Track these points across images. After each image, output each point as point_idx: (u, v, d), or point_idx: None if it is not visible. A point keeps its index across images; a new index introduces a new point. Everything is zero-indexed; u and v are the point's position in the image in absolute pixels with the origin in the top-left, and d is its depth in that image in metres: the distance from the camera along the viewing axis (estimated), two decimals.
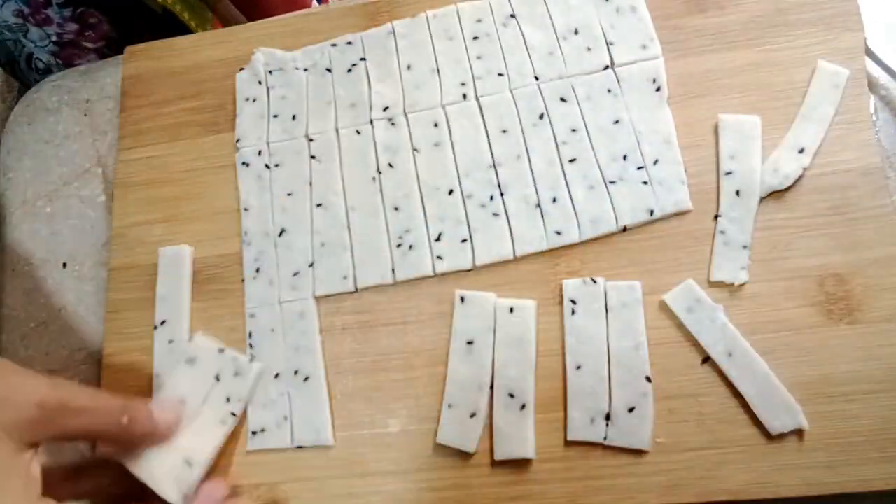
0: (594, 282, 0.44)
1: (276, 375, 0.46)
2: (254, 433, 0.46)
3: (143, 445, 0.41)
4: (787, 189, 0.44)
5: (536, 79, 0.49)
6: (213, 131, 0.53)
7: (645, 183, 0.45)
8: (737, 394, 0.41)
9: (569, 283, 0.44)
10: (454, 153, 0.48)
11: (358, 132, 0.50)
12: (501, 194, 0.47)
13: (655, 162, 0.46)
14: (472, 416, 0.43)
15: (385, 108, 0.50)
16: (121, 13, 0.63)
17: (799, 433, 0.40)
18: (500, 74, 0.49)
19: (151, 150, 0.54)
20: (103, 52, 0.64)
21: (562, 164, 0.47)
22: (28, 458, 0.34)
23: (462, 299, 0.45)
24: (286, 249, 0.49)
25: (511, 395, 0.43)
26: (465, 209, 0.47)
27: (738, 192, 0.44)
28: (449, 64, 0.50)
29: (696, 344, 0.42)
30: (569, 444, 0.42)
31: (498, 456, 0.42)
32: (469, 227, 0.47)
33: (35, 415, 0.35)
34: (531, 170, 0.47)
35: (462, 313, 0.45)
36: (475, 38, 0.50)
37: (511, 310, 0.44)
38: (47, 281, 0.54)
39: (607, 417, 0.42)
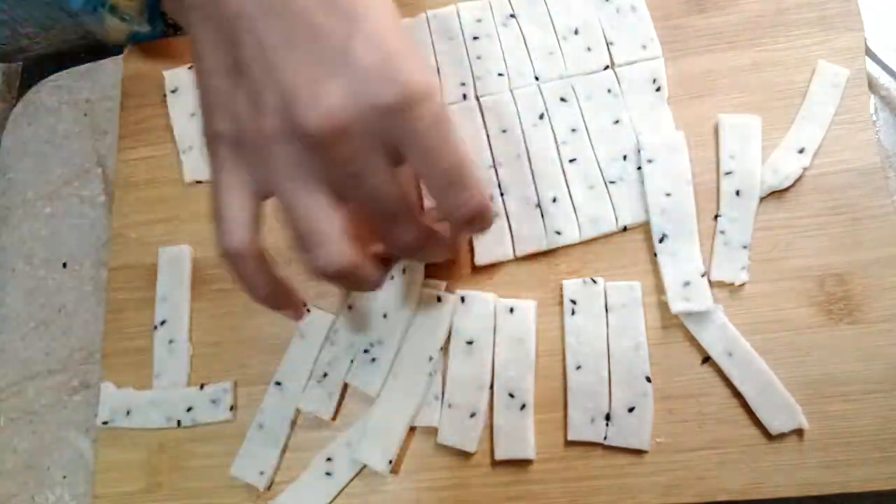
0: (594, 282, 0.44)
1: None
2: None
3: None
4: (787, 189, 0.44)
5: (536, 79, 0.49)
6: None
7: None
8: (737, 394, 0.41)
9: (569, 283, 0.44)
10: None
11: None
12: (501, 194, 0.47)
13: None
14: (472, 416, 0.43)
15: None
16: None
17: (799, 433, 0.40)
18: (500, 74, 0.49)
19: (151, 150, 0.54)
20: None
21: (562, 164, 0.47)
22: None
23: (462, 299, 0.45)
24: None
25: (511, 395, 0.43)
26: None
27: (738, 192, 0.44)
28: (449, 64, 0.50)
29: (696, 344, 0.42)
30: (569, 444, 0.42)
31: (498, 456, 0.43)
32: None
33: None
34: (531, 170, 0.47)
35: (462, 313, 0.45)
36: (475, 38, 0.50)
37: (511, 310, 0.44)
38: (47, 281, 0.54)
39: (607, 417, 0.42)
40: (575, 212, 0.46)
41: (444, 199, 0.33)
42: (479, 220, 0.35)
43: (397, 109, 0.30)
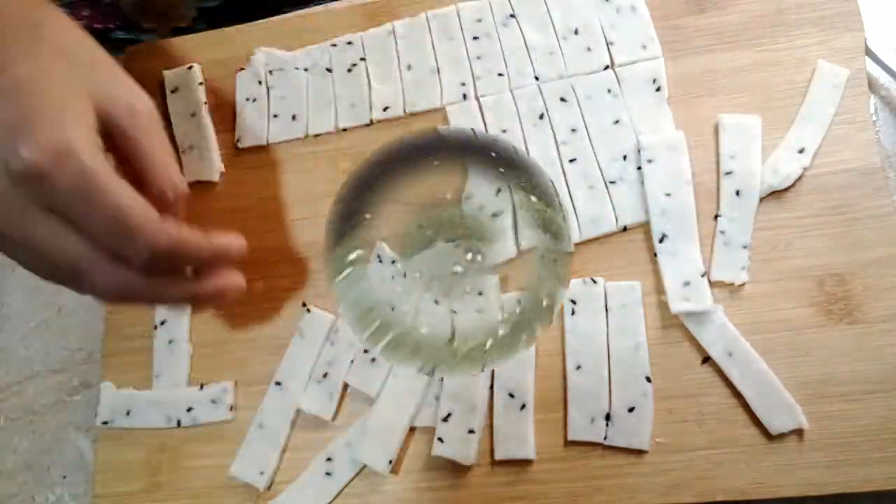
0: (594, 282, 0.44)
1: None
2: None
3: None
4: (787, 189, 0.44)
5: (536, 79, 0.49)
6: (213, 131, 0.53)
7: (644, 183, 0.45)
8: (737, 394, 0.41)
9: None
10: None
11: None
12: None
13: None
14: (471, 432, 0.43)
15: (385, 108, 0.50)
16: None
17: (799, 433, 0.40)
18: (500, 74, 0.49)
19: None
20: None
21: (562, 164, 0.47)
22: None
23: None
24: None
25: (511, 395, 0.43)
26: None
27: (738, 192, 0.44)
28: (449, 64, 0.50)
29: (696, 344, 0.42)
30: (569, 444, 0.42)
31: (498, 456, 0.42)
32: None
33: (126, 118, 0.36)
34: None
35: None
36: (475, 38, 0.50)
37: None
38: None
39: (607, 417, 0.42)
40: (575, 212, 0.46)
41: (118, 252, 0.32)
42: (165, 259, 0.32)
43: (27, 178, 0.30)
